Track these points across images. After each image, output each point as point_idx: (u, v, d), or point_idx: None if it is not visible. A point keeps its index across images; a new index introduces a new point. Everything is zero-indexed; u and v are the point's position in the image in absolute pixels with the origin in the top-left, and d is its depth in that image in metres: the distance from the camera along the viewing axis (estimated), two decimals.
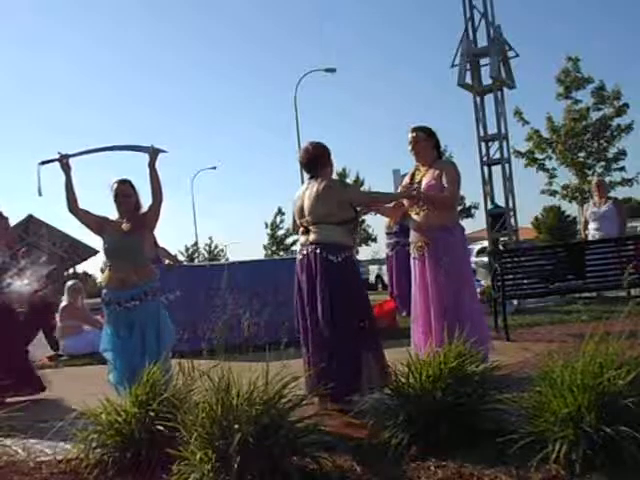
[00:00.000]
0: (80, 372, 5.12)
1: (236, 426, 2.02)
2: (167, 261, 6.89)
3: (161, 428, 2.31)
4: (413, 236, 3.76)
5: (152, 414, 2.40)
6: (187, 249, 34.62)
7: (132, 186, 3.70)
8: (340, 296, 3.09)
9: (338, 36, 58.71)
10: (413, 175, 3.82)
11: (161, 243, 7.07)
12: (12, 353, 4.19)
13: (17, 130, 59.69)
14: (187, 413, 2.18)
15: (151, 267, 3.64)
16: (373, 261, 18.93)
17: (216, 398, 2.10)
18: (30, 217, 24.28)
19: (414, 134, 3.74)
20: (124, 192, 3.64)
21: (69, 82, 63.44)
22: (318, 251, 3.17)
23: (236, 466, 1.95)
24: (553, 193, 16.65)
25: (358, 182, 28.56)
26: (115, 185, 3.65)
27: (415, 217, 3.74)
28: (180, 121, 61.62)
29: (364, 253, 27.78)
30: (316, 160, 3.38)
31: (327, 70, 22.98)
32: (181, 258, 25.59)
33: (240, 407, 2.07)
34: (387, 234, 7.52)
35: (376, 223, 28.38)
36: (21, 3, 60.55)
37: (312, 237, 3.23)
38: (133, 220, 3.61)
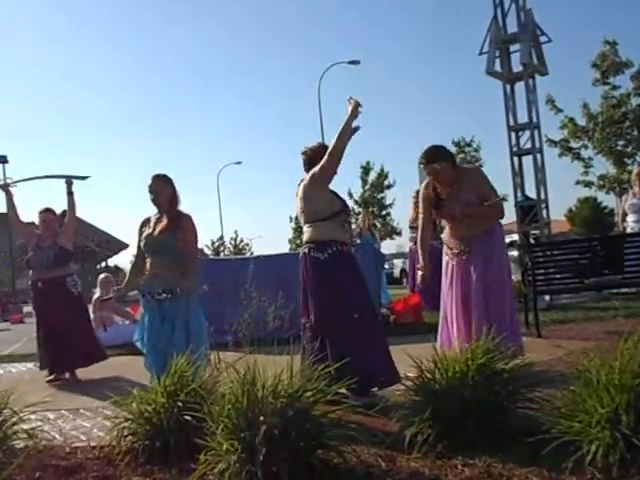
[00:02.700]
0: (112, 362, 5.26)
1: (261, 418, 2.02)
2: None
3: (189, 418, 2.34)
4: (451, 242, 3.59)
5: (180, 404, 2.43)
6: (213, 243, 35.06)
7: (166, 181, 3.65)
8: (327, 293, 3.05)
9: (361, 28, 58.08)
10: (435, 190, 3.62)
11: None
12: (87, 330, 4.98)
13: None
14: (214, 404, 2.20)
15: (186, 263, 3.56)
16: (398, 255, 18.73)
17: (242, 390, 2.11)
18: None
19: (430, 168, 3.52)
20: (155, 188, 3.63)
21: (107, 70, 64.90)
22: (306, 250, 3.18)
23: (261, 457, 1.96)
24: (589, 184, 16.07)
25: (382, 175, 28.28)
26: (149, 181, 3.66)
27: (455, 228, 3.57)
28: (206, 116, 62.38)
29: (389, 247, 27.56)
30: (311, 161, 3.31)
31: (351, 62, 22.79)
32: (207, 252, 25.95)
33: (265, 399, 2.08)
34: (410, 227, 7.44)
35: (401, 217, 28.12)
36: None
37: (304, 237, 3.26)
38: (168, 216, 3.59)
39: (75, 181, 4.93)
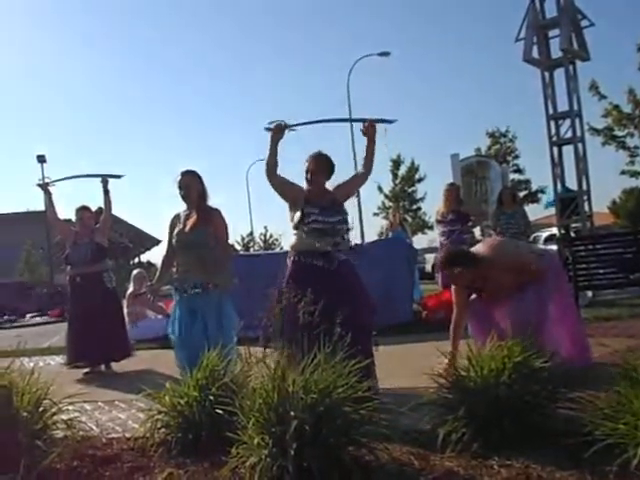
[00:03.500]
0: (145, 356, 5.38)
1: (292, 413, 2.01)
2: None
3: (220, 412, 2.35)
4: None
5: (212, 398, 2.45)
6: (243, 239, 35.35)
7: (195, 177, 3.68)
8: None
9: (390, 17, 57.14)
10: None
11: None
12: (121, 325, 5.12)
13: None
14: (245, 398, 2.21)
15: (218, 258, 3.59)
16: (430, 250, 18.45)
17: (272, 385, 2.10)
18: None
19: (449, 273, 3.40)
20: (185, 184, 3.65)
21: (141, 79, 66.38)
22: None
23: (292, 453, 1.95)
24: (635, 174, 15.36)
25: (413, 168, 27.96)
26: (178, 177, 3.68)
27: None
28: (233, 111, 62.86)
29: (420, 241, 27.23)
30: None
31: (381, 54, 22.48)
32: (237, 247, 26.26)
33: (296, 395, 2.07)
34: (440, 222, 7.28)
35: (433, 211, 27.63)
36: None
37: None
38: (198, 212, 3.62)
39: (110, 180, 5.05)
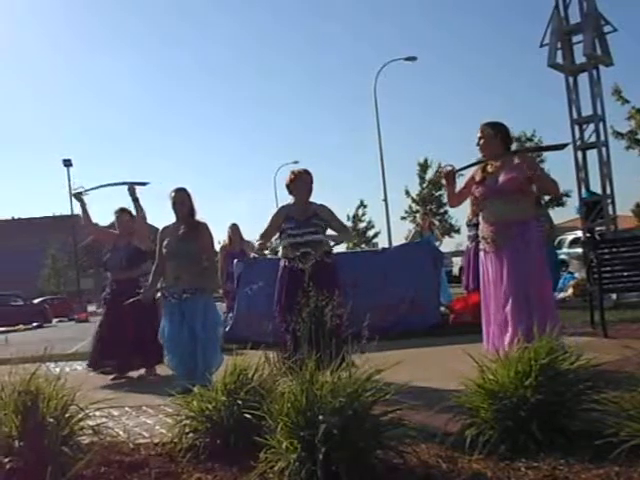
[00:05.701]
0: None
1: (321, 417, 2.03)
2: (252, 254, 7.16)
3: (248, 416, 2.37)
4: (486, 230, 3.57)
5: (240, 403, 2.47)
6: (271, 242, 35.52)
7: (187, 194, 4.10)
8: None
9: (418, 24, 57.03)
10: (485, 168, 3.64)
11: (247, 237, 7.37)
12: (151, 333, 4.81)
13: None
14: (273, 403, 2.22)
15: (204, 266, 3.99)
16: (457, 253, 18.37)
17: (301, 389, 2.12)
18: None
19: (481, 128, 3.65)
20: (179, 200, 4.05)
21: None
22: None
23: (321, 457, 1.96)
24: None
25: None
26: (172, 194, 4.08)
27: (490, 211, 3.55)
28: (261, 116, 63.16)
29: (448, 245, 27.10)
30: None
31: (407, 59, 22.70)
32: (266, 252, 26.32)
33: (324, 398, 2.08)
34: (468, 226, 7.28)
35: (459, 214, 27.57)
36: None
37: None
38: (188, 225, 4.00)
39: (137, 187, 5.05)
